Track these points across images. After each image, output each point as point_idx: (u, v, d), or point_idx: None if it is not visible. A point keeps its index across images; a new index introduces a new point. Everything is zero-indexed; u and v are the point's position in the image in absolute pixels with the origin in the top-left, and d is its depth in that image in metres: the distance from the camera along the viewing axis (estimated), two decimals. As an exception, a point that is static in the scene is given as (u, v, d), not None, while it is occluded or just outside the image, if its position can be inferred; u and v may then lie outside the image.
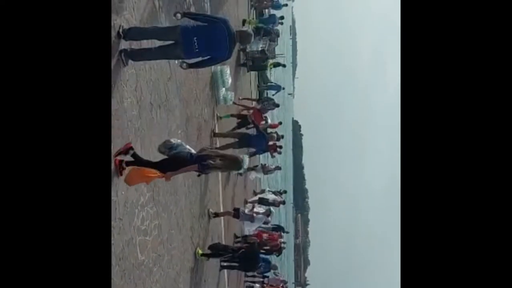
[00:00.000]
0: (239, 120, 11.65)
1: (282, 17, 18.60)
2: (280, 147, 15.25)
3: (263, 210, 10.97)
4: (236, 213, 10.63)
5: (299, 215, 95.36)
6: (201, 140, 9.07)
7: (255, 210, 10.79)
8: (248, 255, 10.01)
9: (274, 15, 17.91)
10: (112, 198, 4.53)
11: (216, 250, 9.14)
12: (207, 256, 8.68)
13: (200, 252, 8.35)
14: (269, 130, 14.04)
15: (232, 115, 11.54)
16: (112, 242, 4.46)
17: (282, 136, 15.14)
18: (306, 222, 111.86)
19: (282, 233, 14.98)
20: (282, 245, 14.31)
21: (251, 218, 10.53)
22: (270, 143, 11.43)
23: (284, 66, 21.52)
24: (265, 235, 12.87)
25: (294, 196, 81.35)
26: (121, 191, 4.80)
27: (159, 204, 6.21)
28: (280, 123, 17.77)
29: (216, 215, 9.92)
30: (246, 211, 10.66)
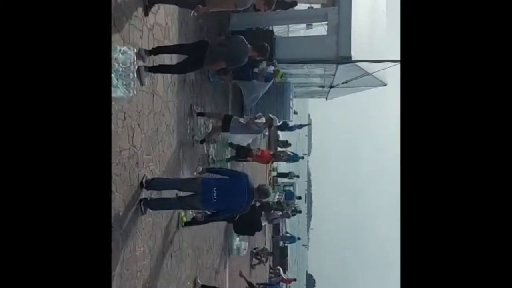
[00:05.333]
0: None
1: (299, 197, 20.31)
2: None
3: (264, 121, 8.32)
4: (226, 125, 7.93)
5: None
6: None
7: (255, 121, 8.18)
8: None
9: (292, 192, 19.49)
10: None
11: None
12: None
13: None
14: (281, 284, 13.45)
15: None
16: None
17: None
18: None
19: None
20: None
21: (244, 128, 8.06)
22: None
23: (299, 212, 21.92)
24: None
25: None
26: None
27: None
28: (295, 279, 17.19)
29: (203, 141, 7.92)
30: (241, 120, 8.05)
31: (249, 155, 9.98)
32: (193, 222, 6.98)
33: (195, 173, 6.64)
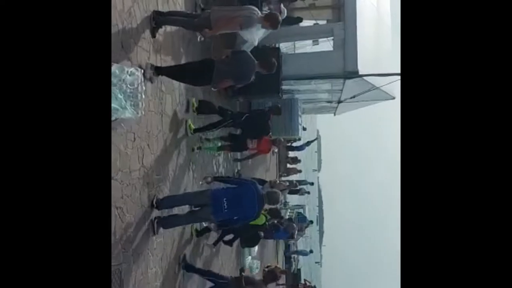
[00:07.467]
0: None
1: (311, 221, 20.44)
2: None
3: None
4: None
5: None
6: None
7: None
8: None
9: (305, 216, 19.54)
10: None
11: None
12: None
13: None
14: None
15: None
16: None
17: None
18: None
19: None
20: None
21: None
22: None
23: (311, 222, 21.74)
24: None
25: None
26: None
27: None
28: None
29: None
30: None
31: (244, 148, 8.65)
32: (206, 230, 6.98)
33: (201, 182, 6.48)
